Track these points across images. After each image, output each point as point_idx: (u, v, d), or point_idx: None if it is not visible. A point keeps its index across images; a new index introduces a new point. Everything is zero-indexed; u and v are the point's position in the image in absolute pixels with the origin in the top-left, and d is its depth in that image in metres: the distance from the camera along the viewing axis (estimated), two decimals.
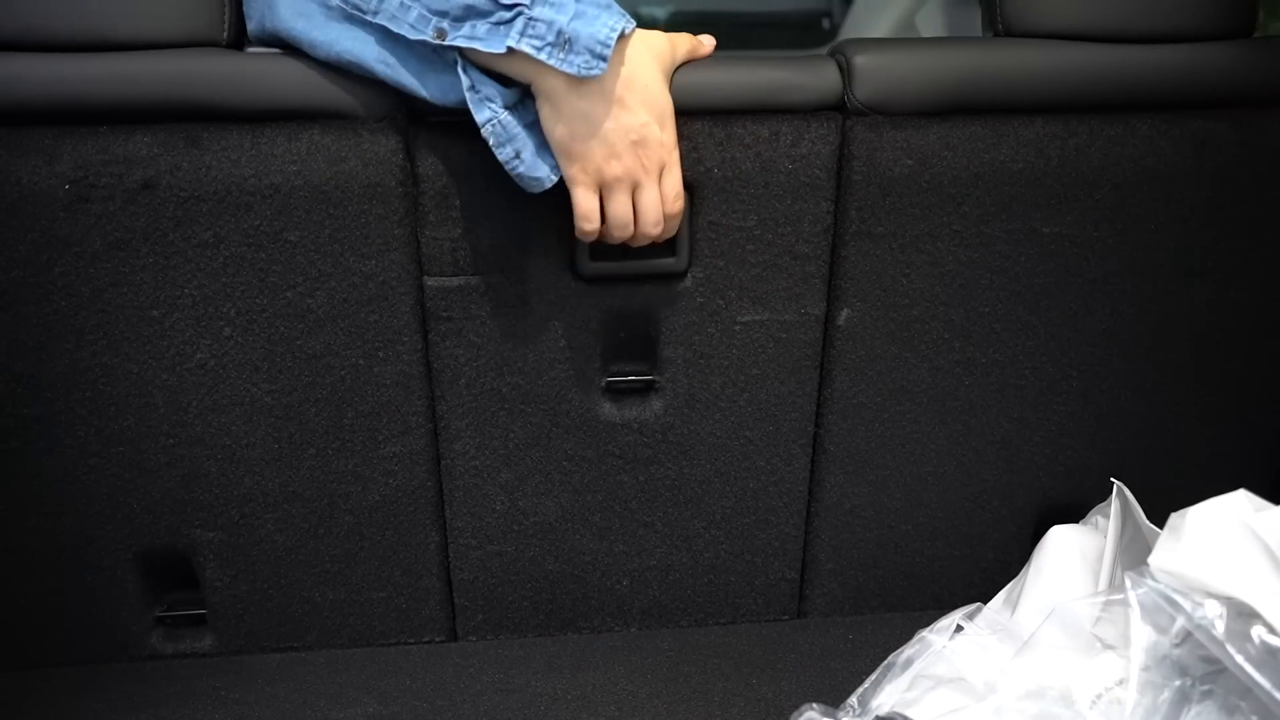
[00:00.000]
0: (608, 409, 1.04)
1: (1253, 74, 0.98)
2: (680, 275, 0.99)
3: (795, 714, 0.88)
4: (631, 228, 0.90)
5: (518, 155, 0.86)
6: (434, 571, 1.08)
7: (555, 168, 0.87)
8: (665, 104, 0.88)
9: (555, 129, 0.85)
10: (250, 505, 1.02)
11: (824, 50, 1.02)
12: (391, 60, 0.86)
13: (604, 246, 0.93)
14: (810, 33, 2.63)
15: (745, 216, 0.98)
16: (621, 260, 0.96)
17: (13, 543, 1.01)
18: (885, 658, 0.92)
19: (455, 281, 0.97)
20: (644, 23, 0.89)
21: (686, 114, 0.91)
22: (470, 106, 0.85)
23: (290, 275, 0.94)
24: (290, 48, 0.91)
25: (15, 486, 0.99)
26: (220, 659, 1.07)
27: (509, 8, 0.81)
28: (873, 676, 0.91)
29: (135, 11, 0.88)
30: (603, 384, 1.03)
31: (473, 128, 0.86)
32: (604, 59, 0.82)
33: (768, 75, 0.96)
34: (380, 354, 0.98)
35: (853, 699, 0.89)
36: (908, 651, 0.91)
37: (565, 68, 0.81)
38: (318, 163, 0.91)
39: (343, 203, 0.92)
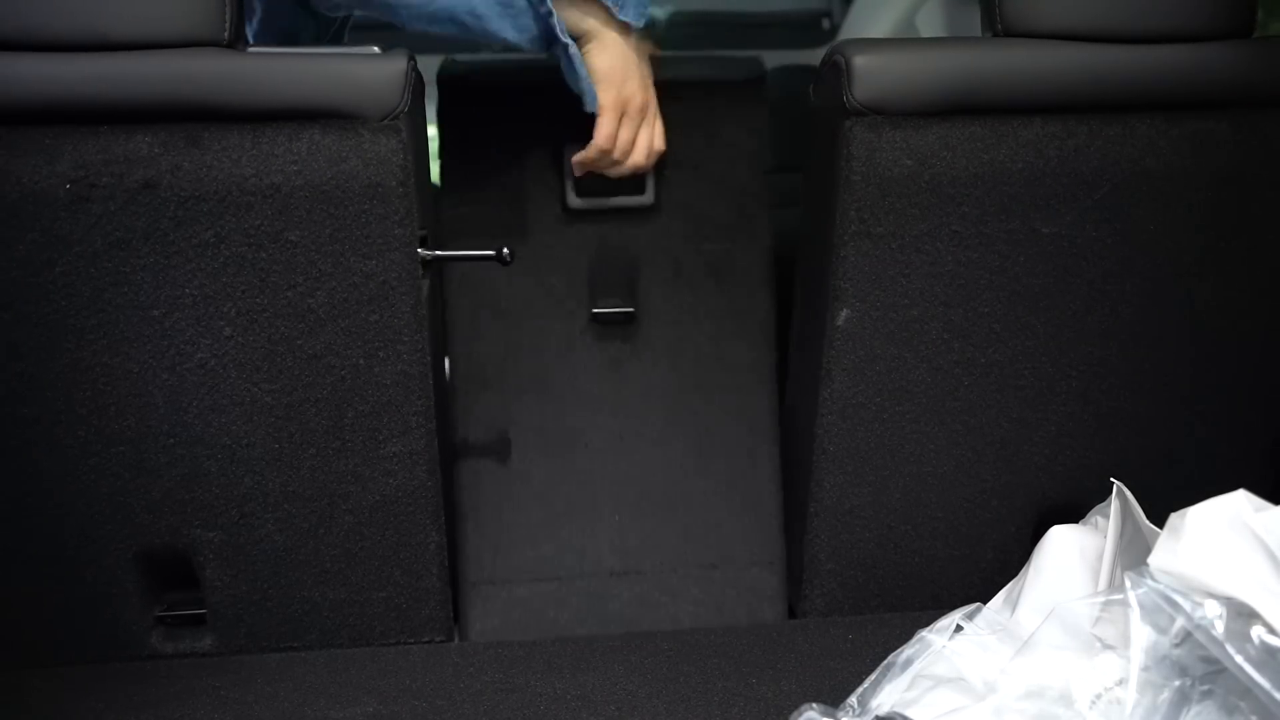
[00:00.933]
0: (595, 329, 1.22)
1: (1252, 74, 0.98)
2: (649, 209, 1.21)
3: (795, 714, 0.88)
4: (628, 156, 1.11)
5: (582, 76, 1.06)
6: (434, 571, 1.08)
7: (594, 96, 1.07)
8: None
9: (601, 61, 1.06)
10: (250, 505, 1.02)
11: (824, 50, 1.02)
12: (480, 11, 1.00)
13: (587, 184, 1.17)
14: (810, 33, 2.63)
15: (694, 158, 1.21)
16: (601, 197, 1.20)
17: (13, 543, 1.01)
18: (885, 658, 0.92)
19: (466, 210, 1.17)
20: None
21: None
22: (559, 35, 1.02)
23: (291, 275, 0.94)
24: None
25: (15, 486, 0.99)
26: (220, 659, 1.07)
27: None
28: (872, 676, 0.91)
29: (135, 11, 0.88)
30: (589, 314, 1.22)
31: (492, 92, 1.19)
32: (644, 14, 1.06)
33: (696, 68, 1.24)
34: (380, 353, 0.98)
35: (852, 699, 0.89)
36: (907, 651, 0.90)
37: (623, 16, 1.05)
38: (318, 162, 0.91)
39: (343, 202, 0.93)
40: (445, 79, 1.21)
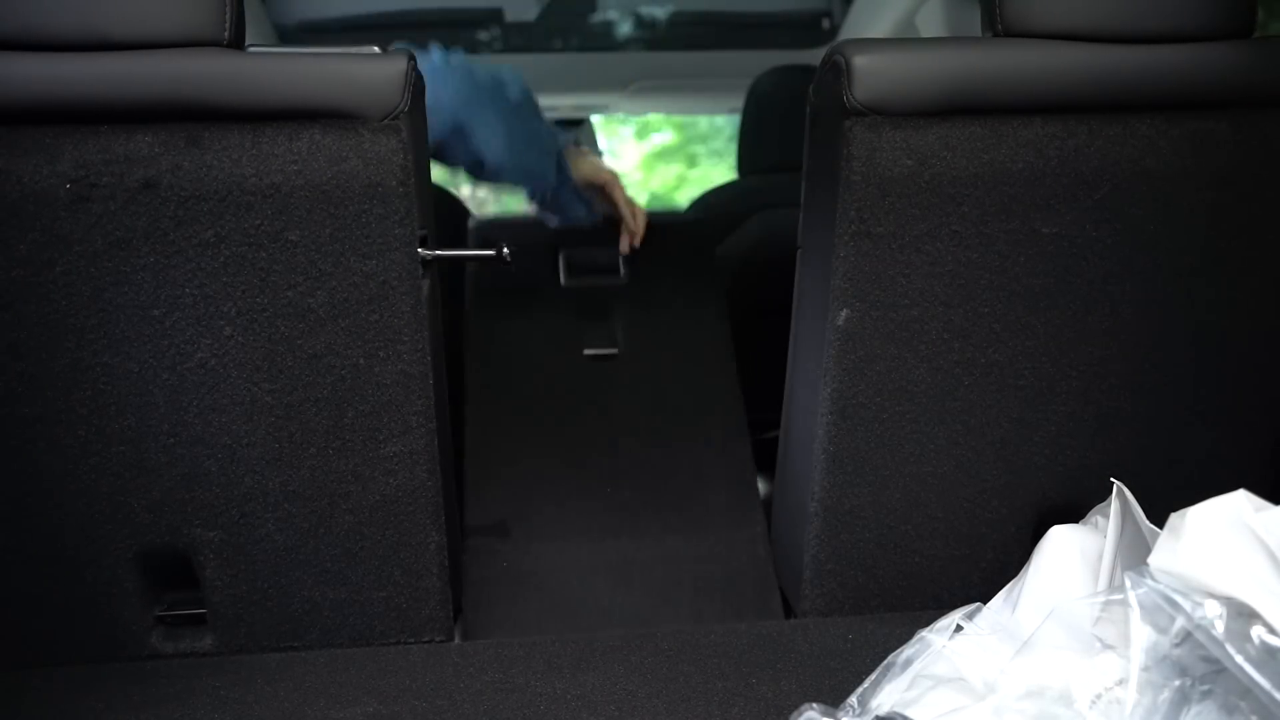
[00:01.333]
0: (588, 363, 1.51)
1: (1252, 74, 0.98)
2: (625, 287, 1.58)
3: (795, 714, 0.88)
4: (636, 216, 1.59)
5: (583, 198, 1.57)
6: (434, 571, 1.08)
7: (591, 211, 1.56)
8: None
9: (588, 161, 1.55)
10: (250, 505, 1.02)
11: (824, 50, 1.02)
12: (548, 171, 1.47)
13: (574, 267, 1.60)
14: (810, 33, 2.63)
15: (655, 252, 1.59)
16: (583, 276, 1.59)
17: (13, 542, 1.01)
18: (885, 658, 0.92)
19: (491, 288, 1.53)
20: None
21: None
22: (569, 174, 1.51)
23: (291, 275, 0.94)
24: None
25: (16, 486, 0.99)
26: (220, 658, 1.07)
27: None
28: (872, 676, 0.91)
29: (136, 11, 0.88)
30: (583, 354, 1.51)
31: (509, 229, 1.74)
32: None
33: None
34: (381, 353, 0.98)
35: (852, 699, 0.89)
36: (907, 651, 0.90)
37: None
38: (318, 162, 0.91)
39: (343, 202, 0.93)
40: (475, 227, 1.70)
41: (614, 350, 1.52)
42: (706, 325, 1.56)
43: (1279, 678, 0.67)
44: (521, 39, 2.52)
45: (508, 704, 0.98)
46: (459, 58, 1.39)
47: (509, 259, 1.10)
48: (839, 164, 0.98)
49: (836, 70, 0.97)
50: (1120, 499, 0.95)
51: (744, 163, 2.19)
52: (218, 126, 0.90)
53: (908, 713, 0.84)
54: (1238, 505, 0.76)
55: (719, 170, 5.61)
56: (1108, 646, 0.81)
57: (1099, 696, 0.77)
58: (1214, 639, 0.69)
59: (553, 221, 1.58)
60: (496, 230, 1.71)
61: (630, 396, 1.49)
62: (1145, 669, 0.73)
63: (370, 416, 1.00)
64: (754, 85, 2.17)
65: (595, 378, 1.50)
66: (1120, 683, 0.77)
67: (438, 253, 1.04)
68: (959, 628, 0.92)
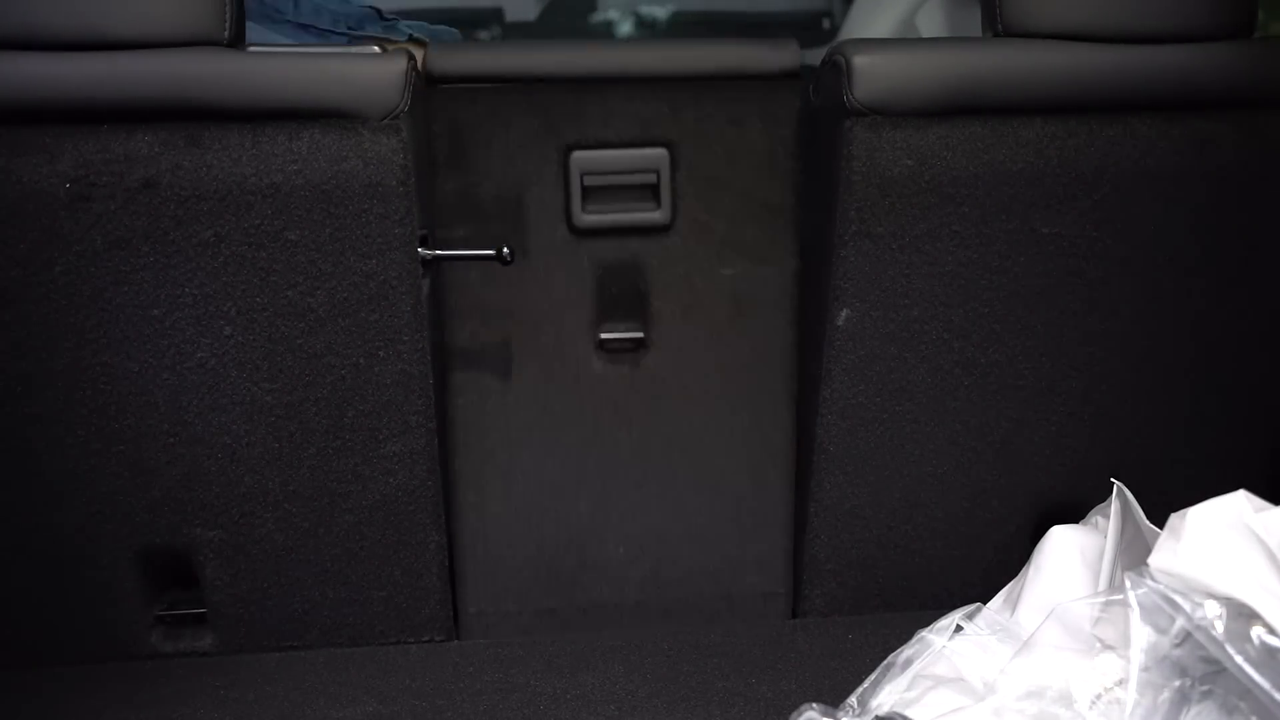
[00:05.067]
0: (600, 365, 1.14)
1: (1253, 74, 0.98)
2: (665, 228, 1.11)
3: (795, 714, 0.88)
4: None
5: None
6: (434, 570, 1.08)
7: None
8: None
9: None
10: (250, 504, 1.02)
11: (824, 50, 1.02)
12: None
13: (595, 197, 1.08)
14: (810, 33, 2.63)
15: (721, 169, 1.09)
16: (611, 213, 1.10)
17: (14, 541, 1.01)
18: (885, 658, 0.92)
19: (461, 231, 1.06)
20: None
21: (671, 79, 1.06)
22: None
23: (291, 274, 0.94)
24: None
25: (17, 485, 0.99)
26: (220, 658, 1.07)
27: None
28: (872, 676, 0.91)
29: (136, 11, 0.88)
30: (597, 340, 1.14)
31: (481, 93, 1.06)
32: None
33: (734, 49, 1.11)
34: (380, 353, 0.98)
35: (852, 699, 0.89)
36: (907, 651, 0.90)
37: None
38: (318, 162, 0.91)
39: (343, 202, 0.93)
40: (436, 74, 1.08)
41: (640, 334, 1.14)
42: (770, 299, 1.14)
43: (1279, 678, 0.67)
44: (521, 39, 2.52)
45: (507, 704, 0.98)
46: None
47: (510, 258, 1.09)
48: (839, 164, 0.98)
49: (836, 70, 0.97)
50: (1120, 499, 0.95)
51: None
52: (218, 126, 0.90)
53: (908, 713, 0.83)
54: (1238, 505, 0.76)
55: None
56: (1108, 647, 0.81)
57: (1099, 696, 0.77)
58: (1214, 639, 0.69)
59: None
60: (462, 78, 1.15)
61: (655, 417, 1.17)
62: (1145, 669, 0.73)
63: (370, 416, 1.00)
64: None
65: (610, 381, 1.16)
66: (1120, 683, 0.77)
67: (438, 253, 1.04)
68: (959, 628, 0.91)
